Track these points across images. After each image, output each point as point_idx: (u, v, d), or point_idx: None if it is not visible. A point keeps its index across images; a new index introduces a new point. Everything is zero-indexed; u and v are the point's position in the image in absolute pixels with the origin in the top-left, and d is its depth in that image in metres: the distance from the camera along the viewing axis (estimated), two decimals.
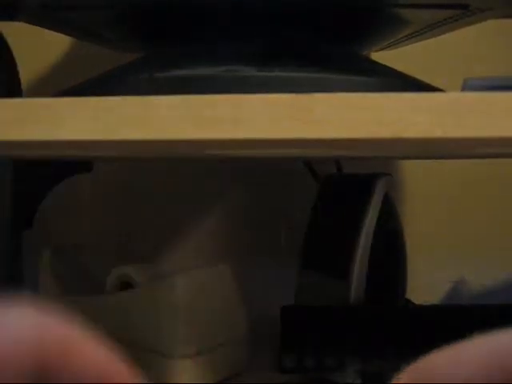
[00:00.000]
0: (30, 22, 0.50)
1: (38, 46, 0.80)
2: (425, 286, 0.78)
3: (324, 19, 0.46)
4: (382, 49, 0.55)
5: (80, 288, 0.64)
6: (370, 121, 0.34)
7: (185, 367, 0.52)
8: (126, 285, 0.58)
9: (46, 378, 0.18)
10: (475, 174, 0.81)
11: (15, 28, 0.51)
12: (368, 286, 0.65)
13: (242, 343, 0.56)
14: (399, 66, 0.47)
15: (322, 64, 0.42)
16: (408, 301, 0.72)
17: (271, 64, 0.41)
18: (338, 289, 0.66)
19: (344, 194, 0.70)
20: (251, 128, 0.34)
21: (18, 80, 0.54)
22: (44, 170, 0.72)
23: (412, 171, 0.82)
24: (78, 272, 0.66)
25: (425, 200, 0.82)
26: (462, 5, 0.44)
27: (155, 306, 0.53)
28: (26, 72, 0.80)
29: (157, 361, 0.52)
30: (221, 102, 0.34)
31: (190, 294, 0.53)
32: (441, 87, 0.46)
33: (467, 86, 0.38)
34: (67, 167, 0.72)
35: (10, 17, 0.46)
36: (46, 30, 0.54)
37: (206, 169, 0.86)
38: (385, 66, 0.47)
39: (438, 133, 0.34)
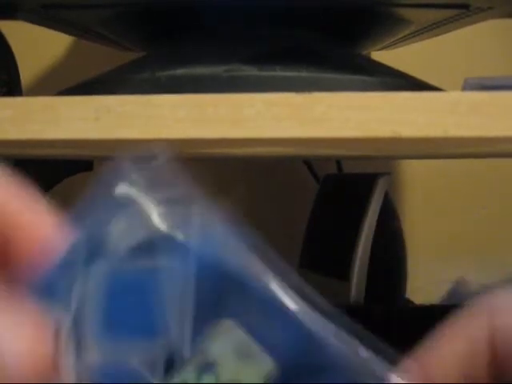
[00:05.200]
0: (30, 21, 0.50)
1: (37, 46, 0.80)
2: (425, 286, 0.78)
3: (324, 19, 0.46)
4: (381, 49, 0.55)
5: None
6: (370, 120, 0.34)
7: None
8: None
9: None
10: (475, 173, 0.81)
11: (15, 27, 0.51)
12: (368, 285, 0.65)
13: None
14: (399, 66, 0.47)
15: (322, 64, 0.42)
16: (408, 301, 0.72)
17: (272, 63, 0.41)
18: (338, 289, 0.66)
19: (344, 193, 0.70)
20: (252, 127, 0.34)
21: (18, 79, 0.54)
22: (44, 170, 0.73)
23: (412, 171, 0.82)
24: None
25: (425, 200, 0.82)
26: (462, 5, 0.44)
27: None
28: (26, 71, 0.80)
29: None
30: (222, 102, 0.34)
31: None
32: (441, 87, 0.46)
33: (467, 86, 0.38)
34: (67, 167, 0.72)
35: (11, 16, 0.46)
36: (46, 30, 0.54)
37: (206, 168, 0.86)
38: (385, 66, 0.47)
39: (438, 132, 0.34)
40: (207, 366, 0.18)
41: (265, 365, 0.18)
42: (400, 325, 0.60)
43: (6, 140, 0.35)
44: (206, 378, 0.18)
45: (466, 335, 0.19)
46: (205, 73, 0.40)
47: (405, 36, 0.51)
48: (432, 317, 0.61)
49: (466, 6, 0.45)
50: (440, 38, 0.56)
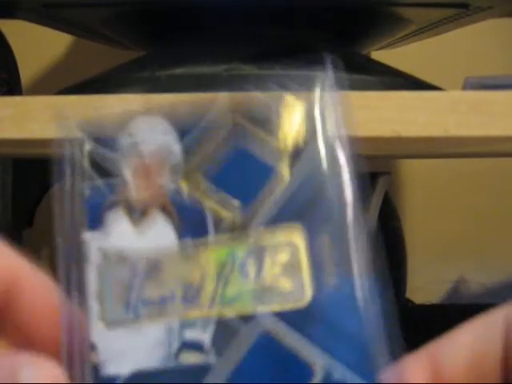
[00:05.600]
0: (30, 21, 0.50)
1: (38, 45, 0.80)
2: (425, 286, 0.78)
3: (324, 19, 0.46)
4: (382, 48, 0.55)
5: None
6: (370, 120, 0.34)
7: None
8: None
9: None
10: (476, 173, 0.81)
11: (16, 26, 0.51)
12: None
13: None
14: (399, 66, 0.47)
15: (322, 64, 0.42)
16: (408, 301, 0.72)
17: (272, 63, 0.41)
18: None
19: None
20: None
21: (18, 78, 0.54)
22: (44, 170, 0.72)
23: (412, 170, 0.82)
24: None
25: (425, 199, 0.82)
26: (462, 4, 0.44)
27: None
28: (26, 70, 0.80)
29: None
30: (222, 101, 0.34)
31: None
32: (441, 87, 0.46)
33: (468, 85, 0.38)
34: None
35: (11, 15, 0.46)
36: (47, 29, 0.54)
37: None
38: (385, 65, 0.47)
39: (438, 132, 0.34)
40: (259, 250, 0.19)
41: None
42: (400, 325, 0.59)
43: (6, 139, 0.35)
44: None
45: (479, 336, 0.19)
46: (205, 72, 0.40)
47: (405, 35, 0.51)
48: (432, 317, 0.61)
49: (465, 6, 0.45)
50: (440, 37, 0.56)
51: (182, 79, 0.40)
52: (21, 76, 0.55)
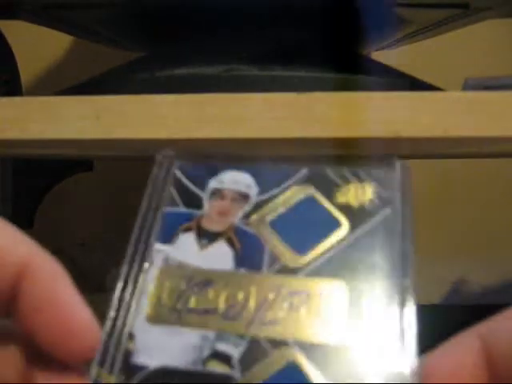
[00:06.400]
0: (30, 21, 0.50)
1: (38, 45, 0.80)
2: (425, 285, 0.78)
3: (324, 19, 0.46)
4: (382, 48, 0.55)
5: (80, 288, 0.63)
6: (370, 120, 0.34)
7: None
8: None
9: None
10: (476, 173, 0.81)
11: (16, 26, 0.51)
12: None
13: None
14: (399, 66, 0.47)
15: (322, 64, 0.42)
16: None
17: (272, 63, 0.41)
18: None
19: None
20: (252, 127, 0.34)
21: (18, 79, 0.54)
22: (44, 170, 0.72)
23: (412, 171, 0.82)
24: (78, 272, 0.66)
25: (425, 200, 0.82)
26: (462, 4, 0.44)
27: None
28: (26, 71, 0.80)
29: None
30: (222, 101, 0.34)
31: None
32: (441, 87, 0.46)
33: (468, 86, 0.38)
34: (67, 167, 0.72)
35: (11, 16, 0.46)
36: (47, 29, 0.54)
37: None
38: (385, 66, 0.47)
39: (438, 132, 0.34)
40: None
41: None
42: None
43: (6, 140, 0.35)
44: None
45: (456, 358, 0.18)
46: (205, 72, 0.40)
47: (405, 36, 0.51)
48: (432, 317, 0.61)
49: (465, 6, 0.45)
50: (440, 37, 0.56)
51: (182, 80, 0.40)
52: (21, 76, 0.55)
